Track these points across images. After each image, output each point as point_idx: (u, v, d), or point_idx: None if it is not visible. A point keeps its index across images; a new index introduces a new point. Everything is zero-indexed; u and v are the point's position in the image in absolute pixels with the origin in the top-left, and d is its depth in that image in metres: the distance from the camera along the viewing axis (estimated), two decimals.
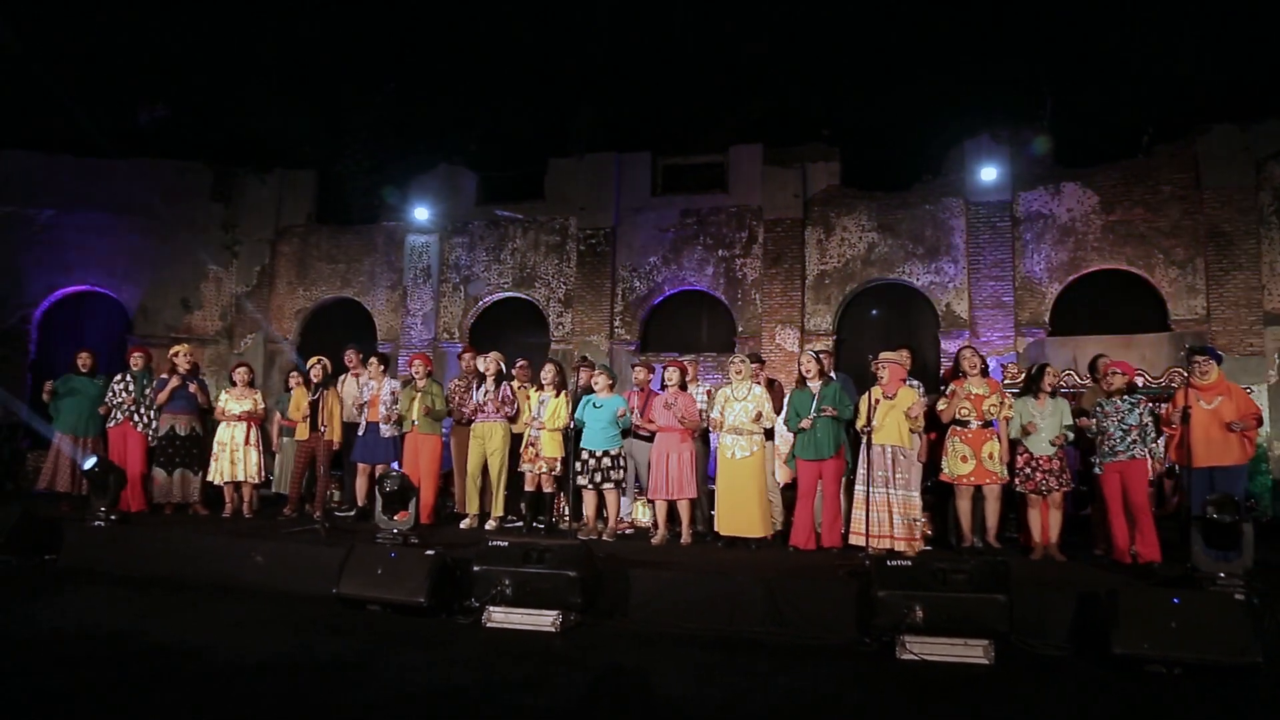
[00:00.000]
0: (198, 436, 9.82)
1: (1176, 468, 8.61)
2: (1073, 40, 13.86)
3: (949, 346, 13.66)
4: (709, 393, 9.19)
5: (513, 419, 9.33)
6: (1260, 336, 12.56)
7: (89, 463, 8.52)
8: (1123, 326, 13.18)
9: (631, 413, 8.84)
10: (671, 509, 8.56)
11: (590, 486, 8.67)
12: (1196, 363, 7.35)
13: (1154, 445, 7.49)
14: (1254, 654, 5.05)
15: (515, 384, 9.59)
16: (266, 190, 16.99)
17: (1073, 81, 13.76)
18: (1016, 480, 7.84)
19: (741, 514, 8.17)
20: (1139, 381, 8.90)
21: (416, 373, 9.50)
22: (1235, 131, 12.95)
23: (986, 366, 8.30)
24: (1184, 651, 5.14)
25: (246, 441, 9.59)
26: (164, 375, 9.82)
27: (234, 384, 9.91)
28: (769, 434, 8.50)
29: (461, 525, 9.24)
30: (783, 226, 14.82)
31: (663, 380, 8.84)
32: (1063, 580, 6.60)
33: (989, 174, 13.71)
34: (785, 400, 8.53)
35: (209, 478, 9.63)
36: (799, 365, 8.51)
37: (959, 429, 7.95)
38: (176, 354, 9.98)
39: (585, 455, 8.68)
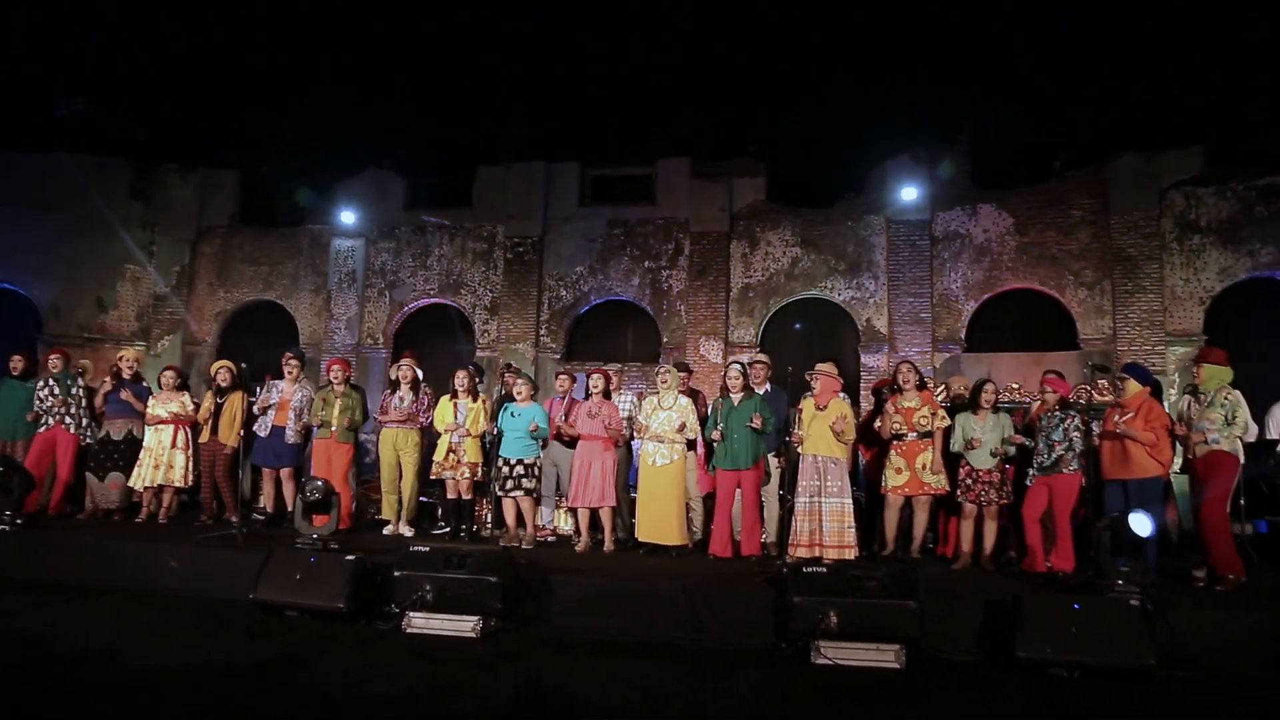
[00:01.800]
0: (133, 440, 9.61)
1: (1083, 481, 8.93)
2: (990, 67, 14.32)
3: (869, 361, 14.01)
4: (640, 395, 9.24)
5: (426, 427, 9.31)
6: (1163, 356, 13.08)
7: None
8: (1035, 344, 13.61)
9: (551, 421, 8.87)
10: (594, 516, 8.62)
11: (503, 494, 8.66)
12: (1115, 379, 7.64)
13: (1076, 465, 7.64)
14: (1148, 657, 5.29)
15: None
16: (188, 189, 16.67)
17: (989, 107, 14.21)
18: (958, 491, 8.00)
19: (661, 521, 8.25)
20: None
21: (335, 378, 9.37)
22: (1141, 160, 13.50)
23: (922, 380, 8.49)
24: (1083, 655, 5.36)
25: (174, 445, 9.37)
26: (104, 378, 9.64)
27: (161, 387, 9.69)
28: (691, 444, 8.60)
29: (385, 531, 9.19)
30: (709, 239, 15.02)
31: (587, 388, 8.89)
32: (971, 588, 6.81)
33: (909, 194, 14.08)
34: (709, 409, 8.66)
35: (131, 482, 9.39)
36: (724, 375, 8.61)
37: (896, 442, 8.13)
38: (123, 358, 9.84)
39: (500, 462, 8.68)
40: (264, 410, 9.41)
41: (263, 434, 9.40)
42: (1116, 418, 7.42)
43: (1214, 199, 13.29)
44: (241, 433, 9.06)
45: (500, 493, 8.65)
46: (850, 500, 7.86)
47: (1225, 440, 7.11)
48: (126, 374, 9.76)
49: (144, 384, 10.03)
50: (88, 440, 9.62)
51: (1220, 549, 6.99)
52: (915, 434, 8.04)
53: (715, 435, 8.18)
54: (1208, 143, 13.40)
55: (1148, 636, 5.39)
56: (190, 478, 9.51)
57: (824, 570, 6.07)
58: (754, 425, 8.01)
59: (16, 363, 9.92)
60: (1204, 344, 12.00)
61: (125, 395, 9.55)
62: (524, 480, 8.62)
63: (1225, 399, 7.16)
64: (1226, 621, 5.97)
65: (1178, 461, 7.63)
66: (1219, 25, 13.26)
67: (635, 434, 8.62)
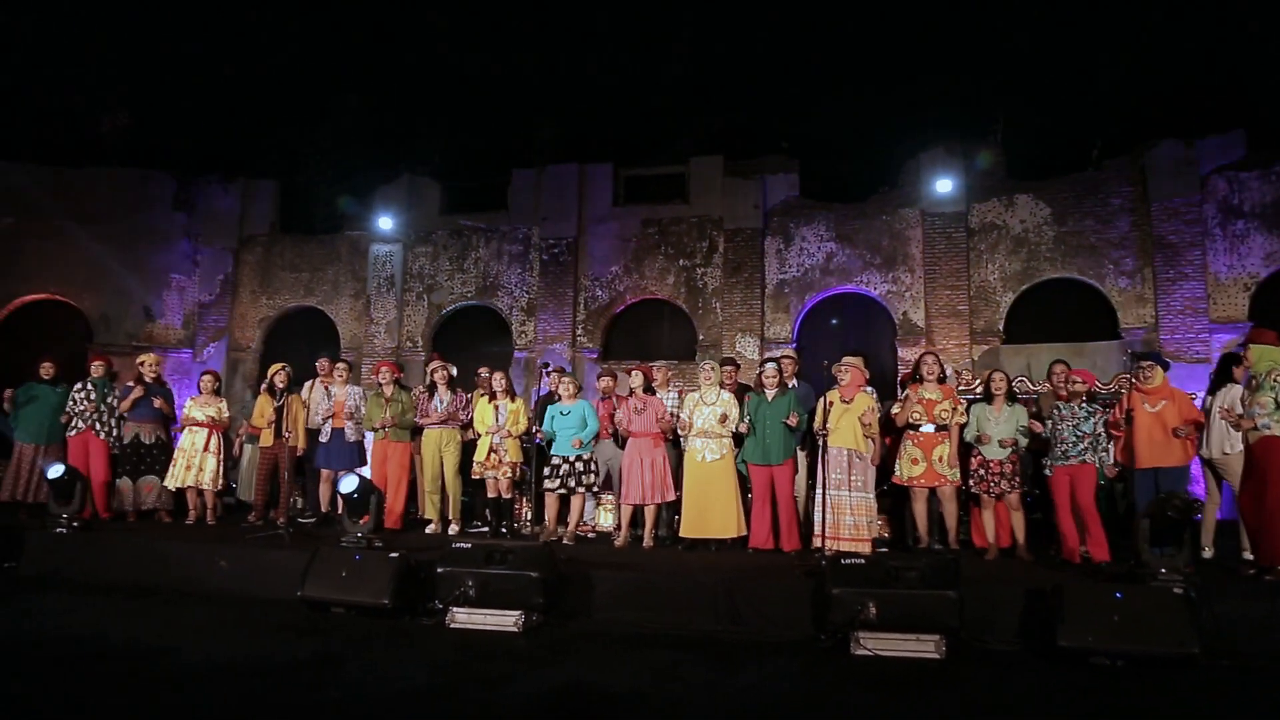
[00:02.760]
0: (163, 444, 9.82)
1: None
2: (1025, 56, 14.22)
3: (906, 354, 13.93)
4: (681, 393, 9.29)
5: (466, 426, 9.42)
6: (1206, 344, 12.91)
7: (54, 471, 8.44)
8: (1074, 334, 13.51)
9: (602, 419, 8.94)
10: (635, 513, 8.67)
11: (563, 491, 8.74)
12: (1141, 367, 7.58)
13: (1104, 454, 7.66)
14: (1191, 645, 5.25)
15: (479, 393, 9.67)
16: (230, 199, 16.96)
17: (1025, 96, 14.13)
18: (971, 482, 8.03)
19: (710, 516, 8.29)
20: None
21: (384, 380, 9.54)
22: (1180, 146, 13.34)
23: (944, 373, 8.48)
24: (1126, 644, 5.34)
25: (206, 448, 9.55)
26: (129, 383, 9.82)
27: (200, 391, 9.90)
28: (737, 438, 8.64)
29: (427, 530, 9.30)
30: (743, 236, 15.03)
31: (629, 386, 8.95)
32: (1010, 577, 6.78)
33: (944, 186, 14.00)
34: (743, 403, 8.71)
35: (165, 482, 9.60)
36: (759, 372, 8.66)
37: (911, 432, 8.12)
38: (143, 363, 10.00)
39: (556, 461, 8.75)
40: (326, 419, 9.60)
41: (324, 439, 9.60)
42: (1146, 406, 7.35)
43: (1258, 183, 13.11)
44: (289, 434, 9.24)
45: (564, 490, 8.72)
46: (873, 494, 7.89)
47: (1277, 425, 6.96)
48: (149, 378, 9.90)
49: (167, 388, 10.23)
50: (116, 449, 9.80)
51: None
52: (933, 426, 8.03)
53: (742, 427, 8.24)
54: (1249, 126, 13.20)
55: (1192, 625, 5.34)
56: (220, 481, 9.69)
57: (863, 562, 6.07)
58: (789, 423, 8.05)
59: (48, 368, 10.10)
60: (1251, 329, 11.81)
61: (158, 403, 9.75)
62: (584, 476, 8.69)
63: (1275, 381, 7.02)
64: (1274, 611, 5.89)
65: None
66: (1256, 6, 13.07)
67: (681, 431, 8.66)
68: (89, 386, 9.80)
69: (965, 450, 8.12)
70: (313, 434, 9.89)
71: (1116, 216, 13.66)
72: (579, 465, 8.69)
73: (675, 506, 8.82)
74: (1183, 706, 4.81)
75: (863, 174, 14.77)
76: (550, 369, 9.69)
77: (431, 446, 9.40)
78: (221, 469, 9.72)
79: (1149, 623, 5.37)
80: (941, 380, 8.31)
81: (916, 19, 14.83)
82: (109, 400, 9.79)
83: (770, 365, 8.55)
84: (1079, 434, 7.56)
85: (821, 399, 7.98)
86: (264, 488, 9.77)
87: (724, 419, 8.36)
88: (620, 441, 8.91)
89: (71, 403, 9.74)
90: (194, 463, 9.52)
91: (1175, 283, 13.19)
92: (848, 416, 7.88)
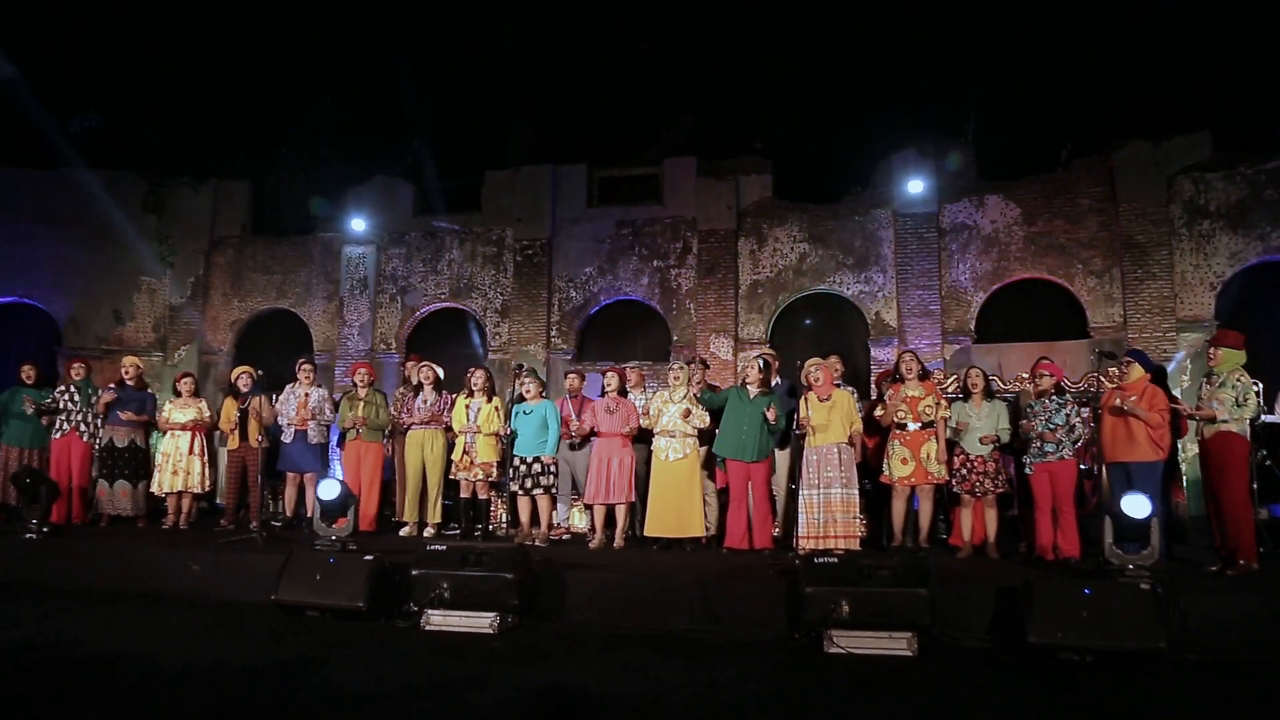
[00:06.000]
0: (136, 448, 9.74)
1: (1095, 469, 8.97)
2: (994, 58, 14.38)
3: (879, 354, 14.04)
4: (648, 396, 9.32)
5: (450, 428, 9.40)
6: (1173, 343, 13.09)
7: (17, 475, 8.40)
8: (1044, 334, 13.63)
9: (565, 421, 8.95)
10: (609, 513, 8.69)
11: (522, 493, 8.76)
12: (1121, 364, 7.69)
13: (1079, 443, 7.72)
14: (1159, 640, 5.32)
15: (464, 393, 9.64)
16: (200, 201, 16.83)
17: (995, 97, 14.27)
18: (953, 481, 8.04)
19: (673, 515, 8.30)
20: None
21: (360, 381, 9.53)
22: (1148, 147, 13.51)
23: (925, 370, 8.53)
24: (1095, 639, 5.39)
25: (190, 451, 9.50)
26: (111, 385, 9.77)
27: (178, 394, 9.82)
28: (703, 437, 8.66)
29: (401, 533, 9.27)
30: (716, 237, 15.08)
31: (603, 387, 8.96)
32: (982, 575, 6.86)
33: (915, 186, 14.11)
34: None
35: (152, 489, 9.54)
36: (740, 368, 8.67)
37: (899, 432, 8.14)
38: (126, 366, 9.95)
39: (517, 461, 8.76)
40: (293, 423, 9.53)
41: (287, 440, 9.52)
42: (1118, 400, 7.43)
43: (1222, 183, 13.30)
44: (260, 437, 9.18)
45: (521, 492, 8.73)
46: (857, 490, 7.92)
47: (1234, 422, 7.10)
48: (130, 380, 9.85)
49: (148, 391, 10.16)
50: (96, 451, 9.75)
51: (1241, 534, 6.98)
52: (919, 424, 8.07)
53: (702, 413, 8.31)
54: (1215, 127, 13.41)
55: (1159, 620, 5.40)
56: (207, 483, 9.65)
57: (835, 560, 6.11)
58: (768, 414, 8.07)
59: (29, 372, 10.02)
60: (1216, 328, 11.96)
61: (126, 415, 9.66)
62: (542, 478, 8.70)
63: (1237, 380, 7.15)
64: (1238, 606, 5.98)
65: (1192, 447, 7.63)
66: (1222, 9, 13.27)
67: (647, 426, 8.66)
68: (71, 389, 9.73)
69: (948, 449, 8.17)
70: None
71: (1085, 217, 13.82)
72: (536, 467, 8.68)
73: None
74: (1151, 701, 4.88)
75: (835, 175, 14.90)
76: (519, 369, 9.70)
77: (414, 447, 9.37)
78: (207, 471, 9.67)
79: (1117, 618, 5.43)
80: (923, 377, 8.36)
81: (888, 21, 14.95)
82: (92, 402, 9.74)
83: (756, 362, 8.54)
84: (1051, 426, 7.63)
85: (801, 400, 8.01)
86: (234, 491, 9.70)
87: (687, 414, 8.36)
88: (580, 443, 8.92)
89: (53, 400, 9.69)
90: (180, 467, 9.46)
91: (1143, 282, 13.37)
92: (834, 412, 7.92)
